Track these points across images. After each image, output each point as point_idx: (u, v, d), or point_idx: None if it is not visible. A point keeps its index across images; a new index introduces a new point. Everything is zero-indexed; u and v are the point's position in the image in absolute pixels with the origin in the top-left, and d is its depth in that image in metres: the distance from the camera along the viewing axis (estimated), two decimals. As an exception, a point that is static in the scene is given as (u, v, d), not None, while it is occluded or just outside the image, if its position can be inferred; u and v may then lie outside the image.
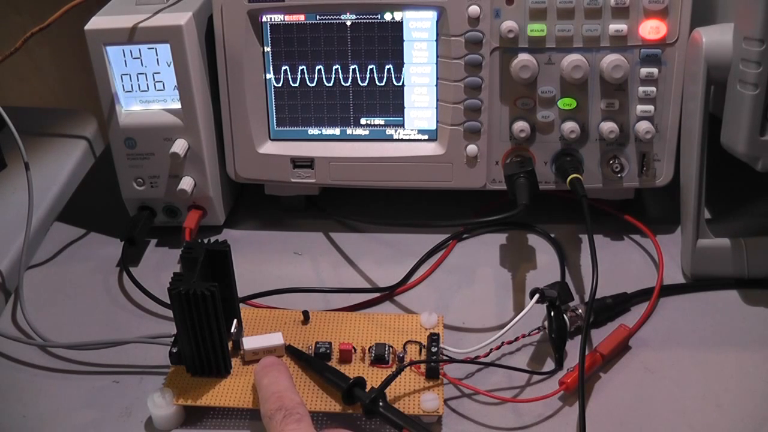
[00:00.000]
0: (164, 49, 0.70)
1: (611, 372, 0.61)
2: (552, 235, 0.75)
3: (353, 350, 0.60)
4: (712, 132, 0.65)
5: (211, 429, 0.58)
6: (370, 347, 0.60)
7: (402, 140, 0.75)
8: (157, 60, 0.71)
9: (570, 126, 0.70)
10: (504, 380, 0.60)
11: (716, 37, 0.62)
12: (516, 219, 0.65)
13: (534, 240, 0.75)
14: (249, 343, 0.60)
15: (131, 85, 0.72)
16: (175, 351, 0.59)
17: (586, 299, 0.63)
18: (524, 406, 0.58)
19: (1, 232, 0.78)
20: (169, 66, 0.71)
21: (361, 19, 0.71)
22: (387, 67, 0.73)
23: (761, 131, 0.60)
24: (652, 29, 0.67)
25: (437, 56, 0.71)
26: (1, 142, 0.87)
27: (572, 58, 0.68)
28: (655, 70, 0.69)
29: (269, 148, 0.76)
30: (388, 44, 0.72)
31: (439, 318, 0.63)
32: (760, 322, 0.65)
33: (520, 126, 0.71)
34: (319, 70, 0.73)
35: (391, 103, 0.74)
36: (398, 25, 0.71)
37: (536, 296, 0.61)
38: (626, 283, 0.68)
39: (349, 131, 0.75)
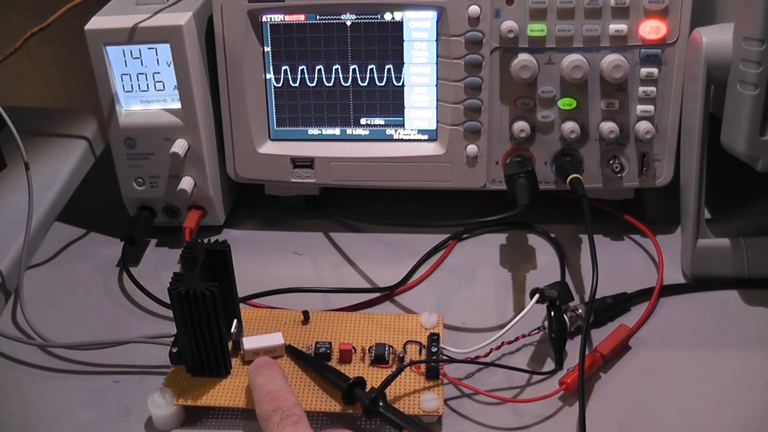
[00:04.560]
0: (164, 49, 0.70)
1: (611, 372, 0.61)
2: (552, 235, 0.75)
3: (353, 350, 0.60)
4: (712, 132, 0.65)
5: (211, 429, 0.58)
6: (370, 347, 0.60)
7: (402, 140, 0.75)
8: (157, 60, 0.71)
9: (570, 126, 0.70)
10: (504, 380, 0.60)
11: (716, 37, 0.62)
12: (516, 219, 0.65)
13: (534, 240, 0.75)
14: (249, 343, 0.60)
15: (131, 85, 0.72)
16: (175, 351, 0.59)
17: (586, 299, 0.63)
18: (524, 406, 0.58)
19: (1, 232, 0.78)
20: (169, 66, 0.71)
21: (361, 19, 0.71)
22: (387, 67, 0.73)
23: (761, 131, 0.60)
24: (652, 29, 0.67)
25: (437, 56, 0.71)
26: (1, 142, 0.87)
27: (572, 58, 0.68)
28: (655, 70, 0.69)
29: (269, 148, 0.76)
30: (388, 44, 0.72)
31: (439, 318, 0.63)
32: (760, 322, 0.65)
33: (520, 126, 0.71)
34: (319, 70, 0.73)
35: (391, 103, 0.74)
36: (398, 25, 0.71)
37: (536, 296, 0.61)
38: (626, 283, 0.68)
39: (349, 131, 0.75)
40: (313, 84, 0.74)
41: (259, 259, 0.75)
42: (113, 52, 0.71)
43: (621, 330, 0.63)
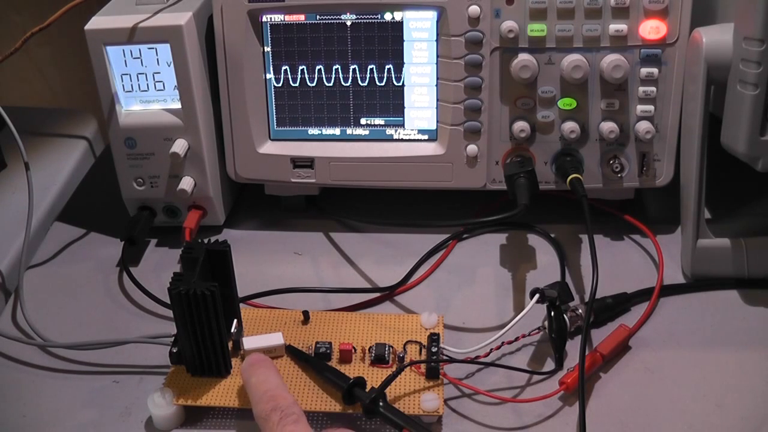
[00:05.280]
0: (164, 49, 0.70)
1: (611, 372, 0.61)
2: (552, 235, 0.75)
3: (353, 350, 0.60)
4: (712, 132, 0.65)
5: (211, 429, 0.58)
6: (370, 347, 0.60)
7: (402, 140, 0.75)
8: (157, 60, 0.71)
9: (570, 126, 0.70)
10: (504, 380, 0.60)
11: (716, 37, 0.62)
12: (516, 219, 0.65)
13: (534, 240, 0.75)
14: (249, 343, 0.60)
15: (131, 85, 0.72)
16: (175, 351, 0.59)
17: (586, 299, 0.63)
18: (524, 406, 0.58)
19: (1, 232, 0.78)
20: (169, 66, 0.71)
21: (361, 19, 0.71)
22: (387, 67, 0.73)
23: (761, 131, 0.60)
24: (652, 29, 0.67)
25: (437, 56, 0.71)
26: (1, 142, 0.87)
27: (572, 58, 0.68)
28: (655, 70, 0.69)
29: (269, 148, 0.76)
30: (388, 44, 0.72)
31: (439, 318, 0.63)
32: (760, 322, 0.65)
33: (520, 126, 0.71)
34: (319, 70, 0.73)
35: (391, 103, 0.74)
36: (398, 25, 0.71)
37: (536, 296, 0.61)
38: (626, 283, 0.68)
39: (349, 131, 0.75)
40: (313, 84, 0.74)
41: (259, 259, 0.75)
42: (113, 52, 0.71)
43: (621, 330, 0.63)
